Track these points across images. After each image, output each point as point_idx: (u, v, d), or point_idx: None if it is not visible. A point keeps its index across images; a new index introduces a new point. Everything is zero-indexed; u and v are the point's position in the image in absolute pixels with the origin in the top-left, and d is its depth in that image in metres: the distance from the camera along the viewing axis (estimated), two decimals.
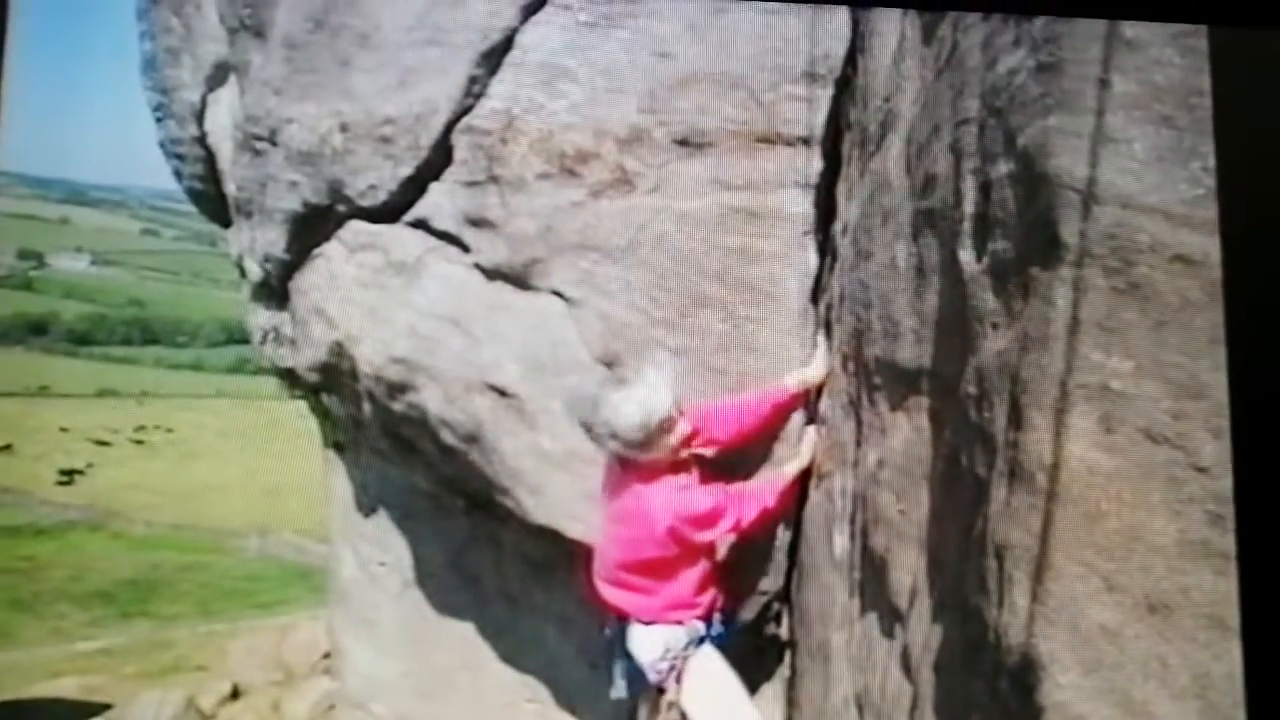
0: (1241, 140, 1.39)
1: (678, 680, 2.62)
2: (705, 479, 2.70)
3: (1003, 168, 1.57)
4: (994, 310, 1.58)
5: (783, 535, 2.85)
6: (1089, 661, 1.28)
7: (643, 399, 2.53)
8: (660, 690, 2.65)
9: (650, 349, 2.77)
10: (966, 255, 1.71)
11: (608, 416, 2.56)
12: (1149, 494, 1.29)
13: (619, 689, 2.73)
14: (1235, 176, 1.34)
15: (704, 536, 2.61)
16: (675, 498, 2.58)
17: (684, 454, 2.65)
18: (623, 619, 2.70)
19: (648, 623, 2.64)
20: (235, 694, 8.04)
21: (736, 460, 2.79)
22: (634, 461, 2.61)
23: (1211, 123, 1.35)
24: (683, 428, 2.58)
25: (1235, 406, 1.27)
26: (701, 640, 2.66)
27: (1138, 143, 1.37)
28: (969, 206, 1.71)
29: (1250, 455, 1.28)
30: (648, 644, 2.64)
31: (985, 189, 1.63)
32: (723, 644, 2.72)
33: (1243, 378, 1.29)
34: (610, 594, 2.69)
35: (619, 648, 2.71)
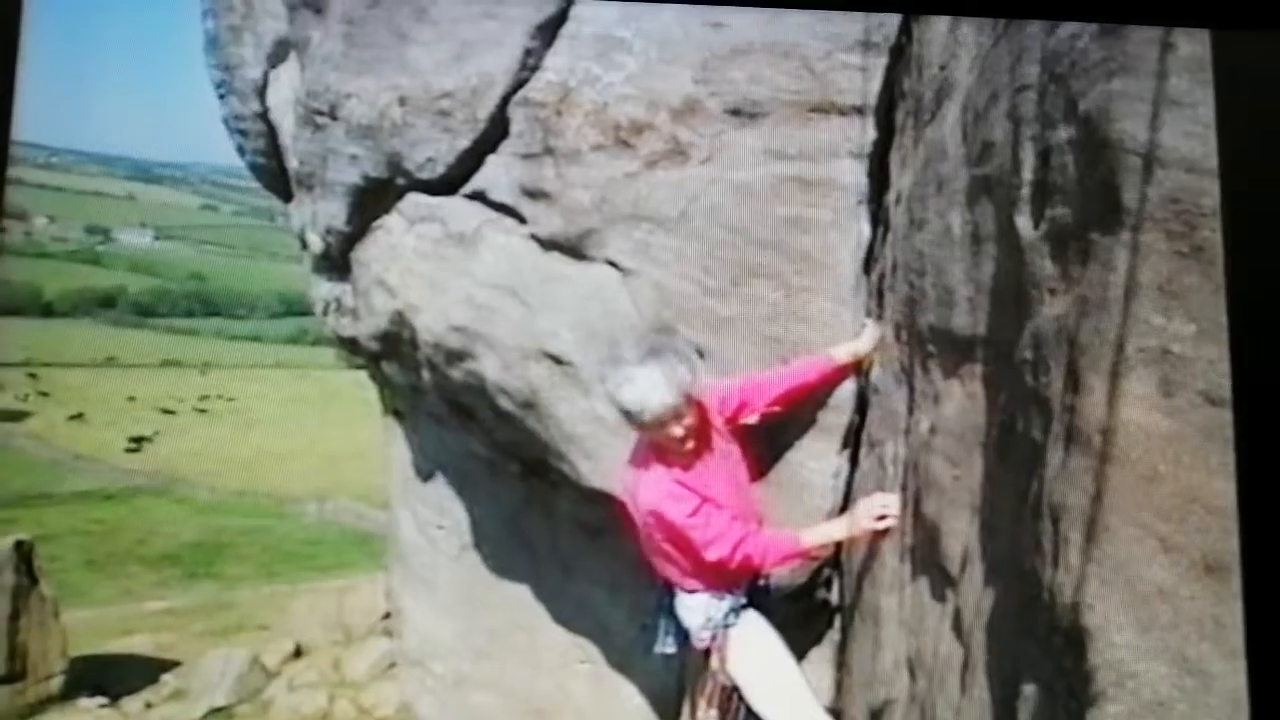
0: (1244, 141, 1.38)
1: (721, 648, 2.65)
2: (749, 458, 2.72)
3: (1063, 133, 1.56)
4: (1051, 276, 1.59)
5: (834, 504, 2.88)
6: (1144, 621, 1.30)
7: (643, 389, 2.43)
8: (706, 654, 2.70)
9: (675, 337, 2.72)
10: (1024, 221, 1.71)
11: (614, 386, 2.50)
12: (1208, 456, 1.29)
13: (667, 645, 2.78)
14: (1238, 175, 1.33)
15: (680, 539, 2.54)
16: (654, 494, 2.53)
17: (714, 436, 2.62)
18: (669, 584, 2.75)
19: (690, 591, 2.67)
20: (298, 652, 8.33)
21: (782, 426, 2.81)
22: (644, 436, 2.60)
23: (1215, 125, 1.33)
24: (689, 422, 2.49)
25: (1239, 413, 1.28)
26: (744, 608, 2.67)
27: (1202, 106, 1.36)
28: (1027, 173, 1.70)
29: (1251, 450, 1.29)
30: (690, 612, 2.68)
31: (1044, 155, 1.63)
32: (769, 610, 2.74)
33: (1245, 374, 1.29)
34: (654, 561, 2.73)
35: (667, 607, 2.77)
